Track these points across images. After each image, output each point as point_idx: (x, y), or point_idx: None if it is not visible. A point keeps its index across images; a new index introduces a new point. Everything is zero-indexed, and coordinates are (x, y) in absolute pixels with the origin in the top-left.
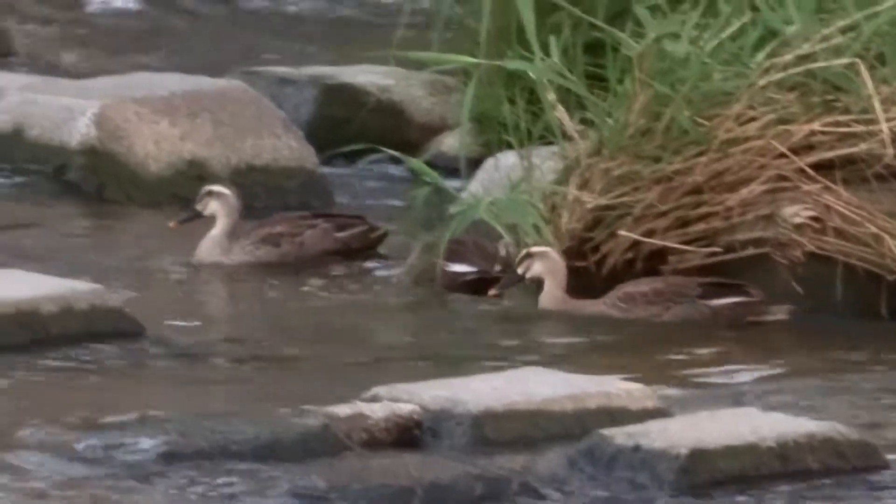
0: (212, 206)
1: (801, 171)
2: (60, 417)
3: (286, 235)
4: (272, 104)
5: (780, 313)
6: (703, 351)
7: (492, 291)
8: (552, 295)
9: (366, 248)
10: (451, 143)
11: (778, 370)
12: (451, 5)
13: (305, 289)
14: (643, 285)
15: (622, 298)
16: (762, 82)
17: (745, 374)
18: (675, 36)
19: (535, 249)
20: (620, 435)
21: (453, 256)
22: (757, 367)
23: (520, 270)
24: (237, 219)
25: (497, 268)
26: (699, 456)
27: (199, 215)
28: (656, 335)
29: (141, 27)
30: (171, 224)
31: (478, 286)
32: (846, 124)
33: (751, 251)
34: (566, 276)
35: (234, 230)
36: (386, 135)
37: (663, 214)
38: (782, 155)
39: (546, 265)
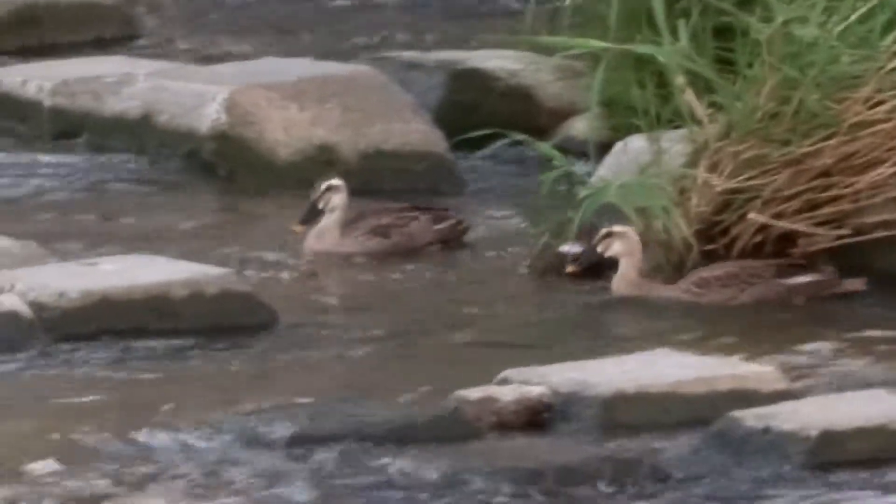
0: (334, 201)
1: None
2: (193, 402)
3: (394, 227)
4: (400, 89)
5: (856, 285)
6: (829, 332)
7: (569, 268)
8: (626, 278)
9: (454, 239)
10: (580, 127)
11: None
12: None
13: (428, 275)
14: (718, 270)
15: (697, 283)
16: (891, 65)
17: (872, 357)
18: (804, 19)
19: (616, 229)
20: (750, 417)
21: (564, 237)
22: (888, 348)
23: (599, 249)
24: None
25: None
26: (829, 438)
27: (320, 213)
28: (780, 319)
29: (267, 12)
30: (296, 228)
31: (586, 267)
32: None
33: (880, 233)
34: (642, 259)
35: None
36: (515, 119)
37: (792, 197)
38: None
39: (625, 245)
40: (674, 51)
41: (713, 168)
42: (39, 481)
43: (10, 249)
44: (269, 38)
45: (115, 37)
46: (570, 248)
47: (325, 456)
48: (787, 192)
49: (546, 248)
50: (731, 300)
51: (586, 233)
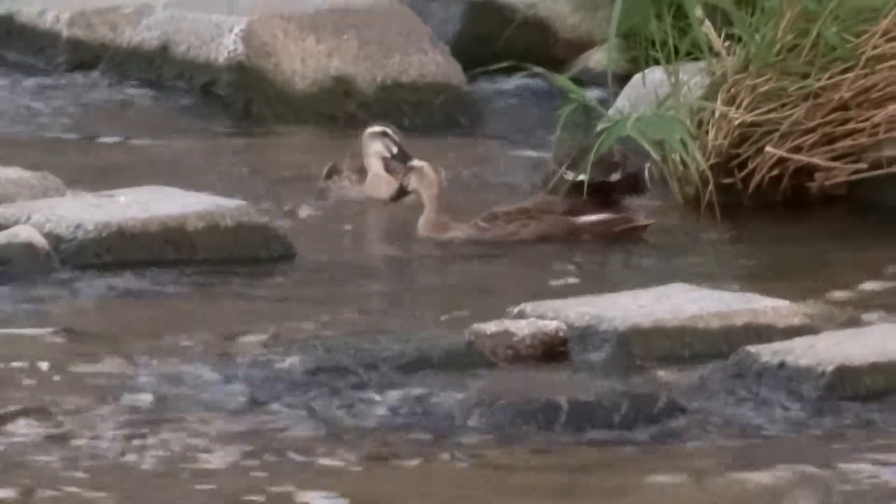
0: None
1: None
2: (206, 333)
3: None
4: (418, 20)
5: (647, 221)
6: (850, 270)
7: (386, 200)
8: (426, 218)
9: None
10: (598, 59)
11: None
12: None
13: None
14: (511, 205)
15: (485, 218)
16: None
17: (893, 291)
18: None
19: (414, 163)
20: (766, 352)
21: (573, 166)
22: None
23: (403, 183)
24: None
25: (615, 176)
26: (844, 373)
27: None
28: (812, 254)
29: None
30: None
31: (595, 194)
32: None
33: None
34: (440, 196)
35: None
36: (532, 51)
37: (810, 131)
38: None
39: (421, 181)
40: None
41: (731, 101)
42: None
43: (28, 181)
44: None
45: None
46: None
47: (334, 388)
48: (804, 126)
49: (563, 177)
50: (511, 236)
51: (610, 162)
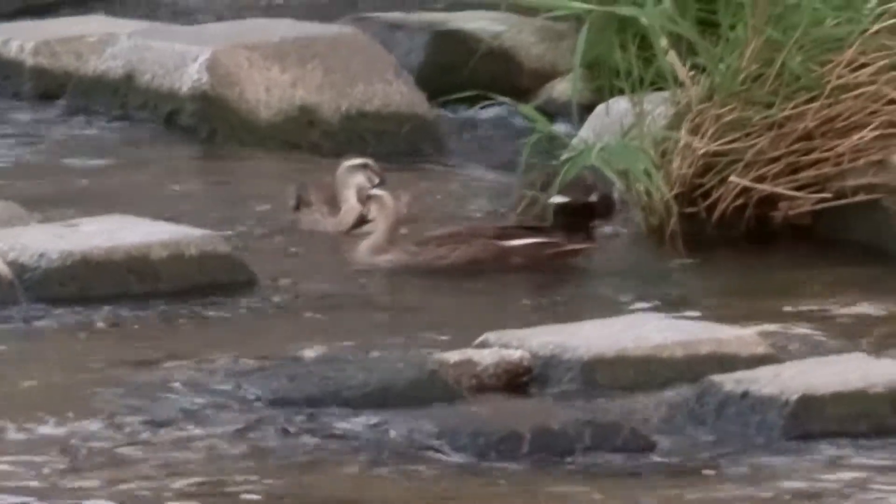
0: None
1: None
2: (169, 363)
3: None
4: (383, 50)
5: (583, 244)
6: (818, 296)
7: (345, 231)
8: (370, 242)
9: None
10: (562, 89)
11: (889, 315)
12: None
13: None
14: (443, 229)
15: (417, 243)
16: (875, 28)
17: (856, 320)
18: None
19: (374, 192)
20: (730, 381)
21: (548, 189)
22: (868, 312)
23: (363, 211)
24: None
25: (590, 196)
26: (808, 402)
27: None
28: (776, 283)
29: None
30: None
31: (575, 216)
32: None
33: (862, 197)
34: (395, 224)
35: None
36: (497, 81)
37: (774, 160)
38: (894, 101)
39: (380, 209)
40: (657, 12)
41: (695, 130)
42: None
43: None
44: None
45: None
46: (555, 198)
47: (298, 419)
48: (768, 155)
49: (532, 201)
50: (440, 260)
51: (571, 182)
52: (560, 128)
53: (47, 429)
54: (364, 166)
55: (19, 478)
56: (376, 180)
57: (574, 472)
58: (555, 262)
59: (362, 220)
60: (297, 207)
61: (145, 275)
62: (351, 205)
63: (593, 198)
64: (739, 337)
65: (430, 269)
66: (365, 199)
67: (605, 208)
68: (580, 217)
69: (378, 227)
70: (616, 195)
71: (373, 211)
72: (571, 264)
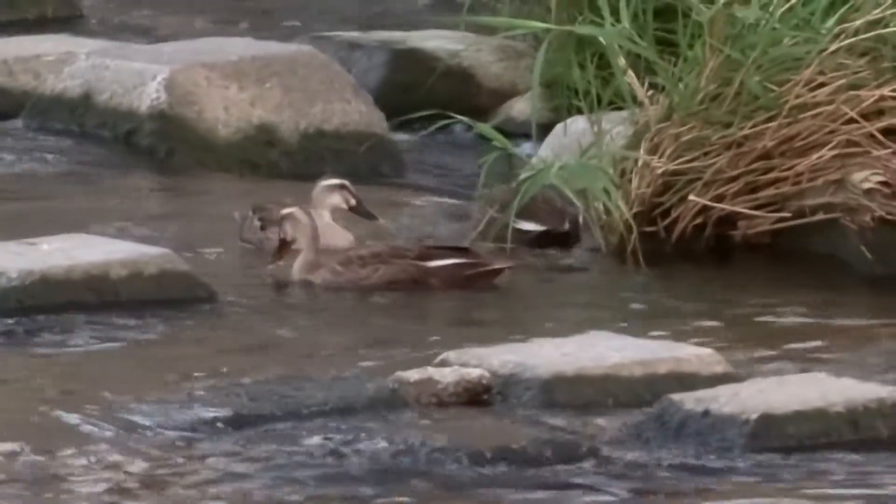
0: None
1: (872, 136)
2: (129, 382)
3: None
4: (341, 69)
5: (504, 264)
6: (778, 315)
7: (270, 265)
8: (302, 259)
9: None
10: (521, 108)
11: (848, 334)
12: None
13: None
14: (366, 249)
15: (341, 262)
16: (832, 48)
17: (815, 339)
18: (746, 1)
19: (285, 211)
20: (690, 400)
21: (522, 213)
22: (827, 331)
23: (281, 234)
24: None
25: (566, 225)
26: (768, 421)
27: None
28: (735, 302)
29: None
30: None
31: (545, 243)
32: None
33: (821, 216)
34: (315, 238)
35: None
36: (455, 100)
37: (733, 179)
38: (852, 120)
39: (295, 226)
40: (615, 32)
41: (654, 150)
42: None
43: None
44: (211, 16)
45: (57, 15)
46: (528, 224)
47: (262, 437)
48: (727, 175)
49: (491, 221)
50: (363, 280)
51: (543, 208)
52: (519, 147)
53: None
54: (341, 186)
55: None
56: (352, 201)
57: (533, 489)
58: (474, 283)
59: (284, 245)
60: (263, 227)
61: (105, 293)
62: (326, 222)
63: (566, 226)
64: (699, 356)
65: (354, 288)
66: (279, 221)
67: (575, 234)
68: (555, 244)
69: (302, 245)
70: (580, 217)
71: (289, 230)
72: (492, 284)
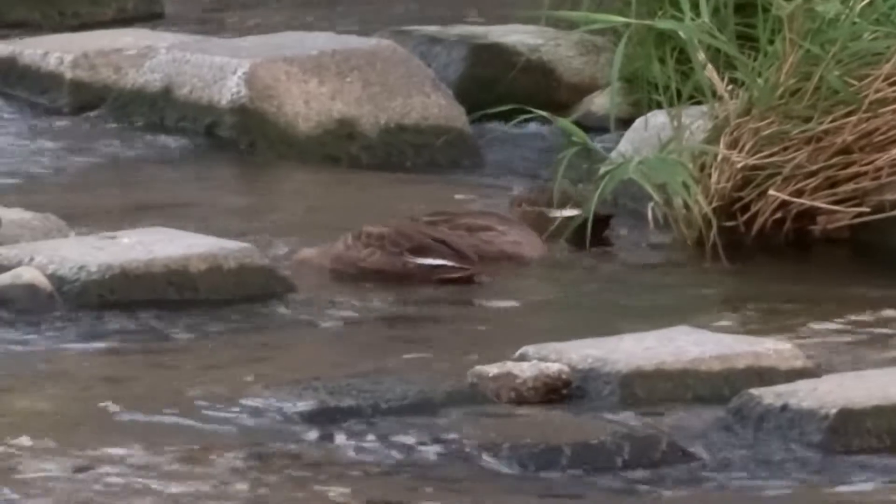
0: None
1: None
2: (206, 376)
3: None
4: (421, 63)
5: (475, 270)
6: (857, 309)
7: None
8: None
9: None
10: (600, 102)
11: None
12: None
13: None
14: (377, 228)
15: (355, 236)
16: None
17: (889, 338)
18: None
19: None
20: (769, 395)
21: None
22: None
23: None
24: None
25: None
26: (848, 415)
27: None
28: (815, 296)
29: None
30: None
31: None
32: None
33: None
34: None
35: None
36: (535, 95)
37: (813, 174)
38: None
39: None
40: (695, 27)
41: (733, 144)
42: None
43: (30, 222)
44: (292, 11)
45: (137, 9)
46: (562, 212)
47: (342, 431)
48: (807, 169)
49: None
50: (360, 261)
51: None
52: (598, 142)
53: (88, 440)
54: None
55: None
56: None
57: (613, 486)
58: (451, 284)
59: None
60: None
61: (184, 287)
62: None
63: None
64: (778, 350)
65: (354, 269)
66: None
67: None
68: (601, 229)
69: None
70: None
71: None
72: (469, 289)
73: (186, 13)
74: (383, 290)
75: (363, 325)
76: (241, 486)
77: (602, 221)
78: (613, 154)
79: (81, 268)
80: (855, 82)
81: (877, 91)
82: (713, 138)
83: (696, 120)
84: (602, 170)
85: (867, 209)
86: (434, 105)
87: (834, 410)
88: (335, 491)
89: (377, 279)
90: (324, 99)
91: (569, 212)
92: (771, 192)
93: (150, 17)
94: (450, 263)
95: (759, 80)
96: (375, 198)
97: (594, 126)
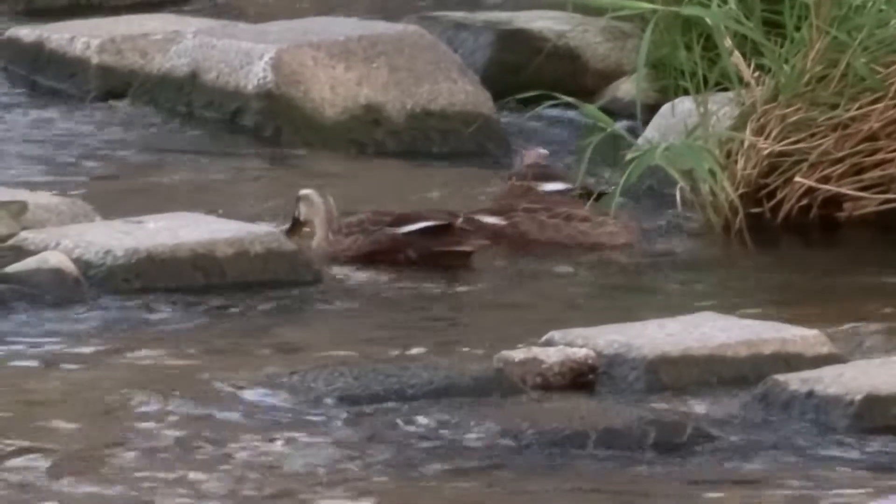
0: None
1: None
2: (233, 361)
3: None
4: (448, 49)
5: (471, 246)
6: (883, 296)
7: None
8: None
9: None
10: (627, 89)
11: None
12: None
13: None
14: (353, 217)
15: (335, 231)
16: None
17: None
18: None
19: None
20: (794, 381)
21: (542, 177)
22: None
23: (295, 214)
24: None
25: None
26: (873, 402)
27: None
28: (840, 283)
29: None
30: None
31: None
32: None
33: None
34: (329, 220)
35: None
36: (562, 81)
37: (839, 161)
38: None
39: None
40: (722, 13)
41: (760, 131)
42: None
43: (57, 207)
44: None
45: None
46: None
47: (367, 416)
48: (833, 156)
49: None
50: (345, 251)
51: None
52: (625, 127)
53: (114, 426)
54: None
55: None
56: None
57: (640, 470)
58: (448, 260)
59: (297, 223)
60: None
61: (210, 272)
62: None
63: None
64: (804, 336)
65: (343, 260)
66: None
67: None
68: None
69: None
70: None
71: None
72: (466, 264)
73: None
74: (408, 275)
75: (389, 309)
76: (265, 473)
77: (597, 197)
78: (640, 140)
79: (107, 252)
80: (881, 69)
81: None
82: (739, 125)
83: (722, 106)
84: (628, 156)
85: (893, 196)
86: (461, 91)
87: (859, 396)
88: (359, 474)
89: (371, 262)
90: (350, 84)
91: (556, 186)
92: (797, 178)
93: (176, 2)
94: (433, 223)
95: (786, 67)
96: (401, 183)
97: (621, 112)
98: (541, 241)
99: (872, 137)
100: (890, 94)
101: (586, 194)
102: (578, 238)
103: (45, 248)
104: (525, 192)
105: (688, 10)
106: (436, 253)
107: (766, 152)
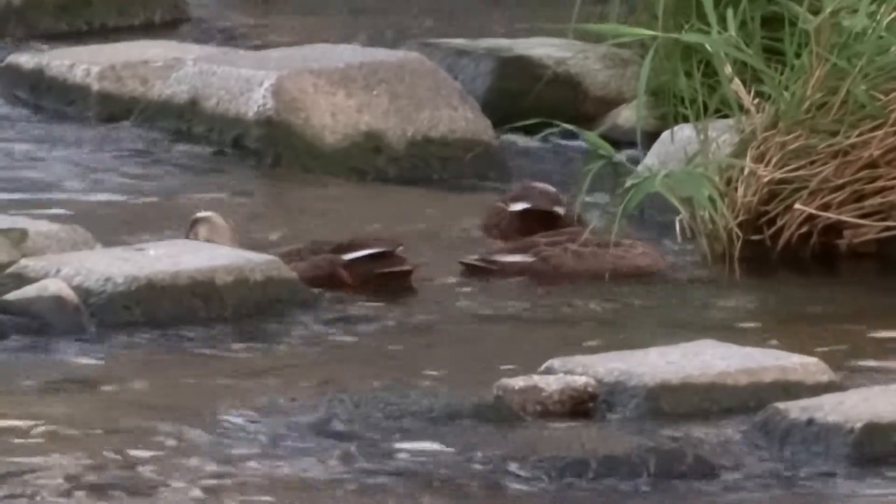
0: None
1: None
2: (232, 388)
3: None
4: (448, 76)
5: (409, 265)
6: (884, 324)
7: None
8: None
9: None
10: (627, 116)
11: None
12: None
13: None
14: (291, 246)
15: (284, 261)
16: None
17: None
18: (852, 9)
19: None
20: (794, 409)
21: (517, 198)
22: None
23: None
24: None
25: (558, 209)
26: (873, 430)
27: None
28: (841, 311)
29: None
30: None
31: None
32: None
33: None
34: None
35: None
36: (562, 107)
37: (839, 188)
38: None
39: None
40: (722, 40)
41: (760, 158)
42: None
43: (57, 234)
44: (318, 22)
45: (164, 20)
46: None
47: (367, 444)
48: (833, 183)
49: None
50: (304, 273)
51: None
52: (625, 155)
53: (115, 452)
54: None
55: None
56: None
57: (640, 499)
58: (388, 281)
59: None
60: None
61: (210, 299)
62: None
63: (558, 209)
64: (804, 364)
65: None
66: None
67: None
68: (542, 226)
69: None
70: (577, 212)
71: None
72: (408, 284)
73: (213, 21)
74: (409, 301)
75: (389, 337)
76: (269, 499)
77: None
78: (640, 167)
79: (108, 280)
80: (882, 96)
81: None
82: (739, 152)
83: (722, 133)
84: (628, 183)
85: (894, 223)
86: (461, 118)
87: (860, 424)
88: (359, 502)
89: (314, 286)
90: (351, 111)
91: (521, 206)
92: (797, 205)
93: (177, 24)
94: (378, 249)
95: (786, 94)
96: (402, 211)
97: (621, 139)
98: (578, 271)
99: (873, 164)
100: (890, 122)
101: (577, 220)
102: (618, 264)
103: (45, 276)
104: (498, 214)
105: (688, 37)
106: (378, 275)
107: (766, 179)
